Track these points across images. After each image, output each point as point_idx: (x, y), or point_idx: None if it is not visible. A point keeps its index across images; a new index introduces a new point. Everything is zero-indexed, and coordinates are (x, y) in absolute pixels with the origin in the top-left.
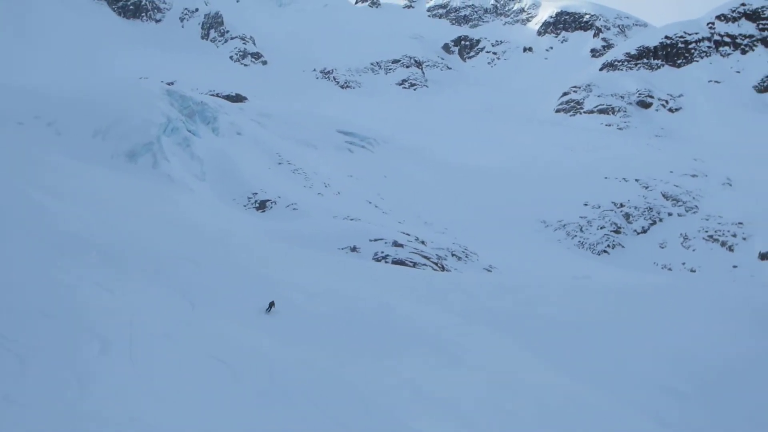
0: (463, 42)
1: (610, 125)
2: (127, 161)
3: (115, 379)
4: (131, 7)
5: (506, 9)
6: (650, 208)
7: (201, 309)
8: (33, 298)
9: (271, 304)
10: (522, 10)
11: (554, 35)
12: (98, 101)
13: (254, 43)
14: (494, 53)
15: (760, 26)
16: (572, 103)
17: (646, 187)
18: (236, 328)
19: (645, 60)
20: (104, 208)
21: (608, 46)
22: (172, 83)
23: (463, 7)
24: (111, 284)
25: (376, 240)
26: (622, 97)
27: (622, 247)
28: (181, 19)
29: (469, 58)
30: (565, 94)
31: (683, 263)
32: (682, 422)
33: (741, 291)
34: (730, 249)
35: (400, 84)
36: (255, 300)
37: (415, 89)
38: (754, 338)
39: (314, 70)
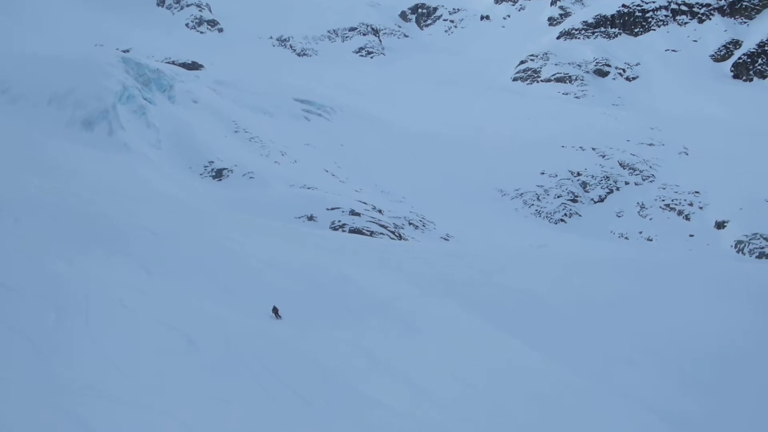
0: (420, 10)
1: (567, 94)
2: (82, 129)
3: (72, 348)
4: None
5: None
6: (607, 177)
7: (157, 278)
8: None
9: (275, 311)
10: None
11: (511, 3)
12: (53, 69)
13: (210, 11)
14: (451, 21)
15: None
16: (529, 72)
17: (603, 156)
18: (192, 298)
19: (602, 29)
20: (59, 176)
21: (566, 14)
22: (128, 50)
23: None
24: (68, 254)
25: (333, 209)
26: (579, 65)
27: (579, 215)
28: None
29: (426, 26)
30: (522, 62)
31: (640, 232)
32: (635, 387)
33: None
34: (687, 218)
35: (357, 52)
36: (212, 269)
37: (372, 57)
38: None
39: (270, 37)
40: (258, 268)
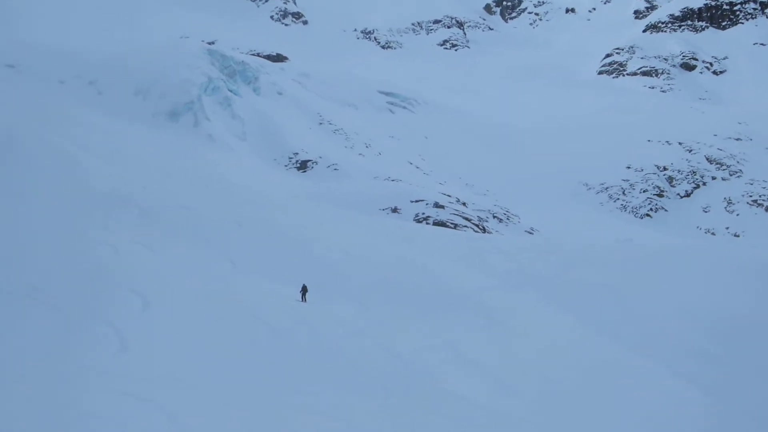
0: (505, 2)
1: (653, 88)
2: (168, 120)
3: (156, 337)
4: None
5: None
6: (693, 172)
7: (241, 269)
8: (76, 257)
9: (304, 290)
10: None
11: None
12: (140, 61)
13: (295, 3)
14: (536, 14)
15: None
16: (615, 65)
17: (690, 151)
18: (276, 288)
19: (689, 22)
20: (144, 167)
21: (652, 7)
22: (213, 43)
23: None
24: (152, 243)
25: (417, 201)
26: (665, 59)
27: (665, 210)
28: None
29: (511, 18)
30: (607, 55)
31: (727, 228)
32: (711, 382)
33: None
34: None
35: (442, 45)
36: (295, 260)
37: (456, 50)
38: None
39: (355, 30)
40: (341, 259)
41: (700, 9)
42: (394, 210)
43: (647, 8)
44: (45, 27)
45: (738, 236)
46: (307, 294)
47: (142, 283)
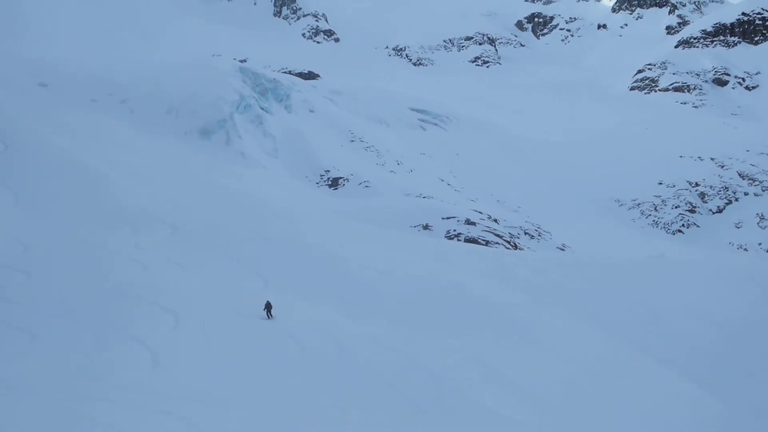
0: (536, 19)
1: (685, 103)
2: (200, 138)
3: (188, 354)
4: None
5: None
6: (726, 188)
7: (272, 286)
8: (106, 275)
9: (268, 306)
10: None
11: (628, 12)
12: (172, 79)
13: (327, 21)
14: (568, 30)
15: None
16: (647, 81)
17: (722, 166)
18: (306, 305)
19: (721, 37)
20: (176, 185)
21: (684, 23)
22: (245, 60)
23: None
24: (183, 260)
25: (448, 218)
26: (697, 74)
27: (697, 226)
28: None
29: (543, 35)
30: (639, 71)
31: (759, 243)
32: (745, 398)
33: None
34: None
35: (473, 61)
36: (326, 277)
37: (488, 66)
38: None
39: (387, 47)
40: (372, 276)
41: (732, 24)
42: (426, 227)
43: (679, 24)
44: (76, 45)
45: None
46: (272, 310)
47: (173, 301)
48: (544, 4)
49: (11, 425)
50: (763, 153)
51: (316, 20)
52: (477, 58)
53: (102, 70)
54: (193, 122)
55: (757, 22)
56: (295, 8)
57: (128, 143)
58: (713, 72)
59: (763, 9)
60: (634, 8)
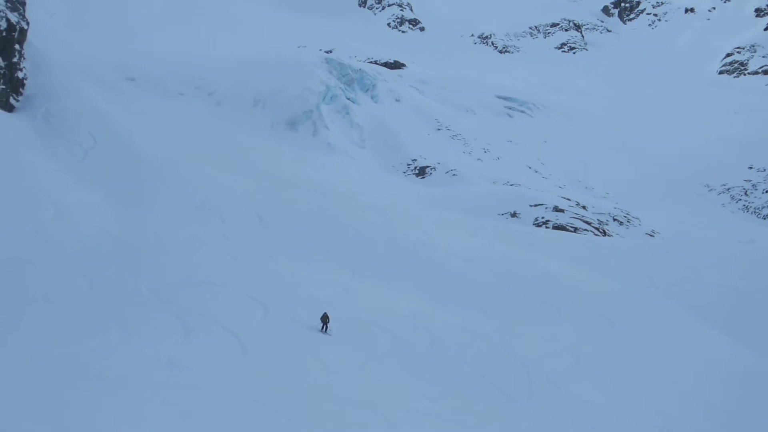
0: (623, 4)
1: None
2: (287, 129)
3: (277, 344)
4: None
5: None
6: None
7: (361, 277)
8: (198, 268)
9: (325, 319)
10: None
11: None
12: (258, 71)
13: (411, 10)
14: (655, 14)
15: None
16: (736, 65)
17: None
18: (396, 296)
19: None
20: (262, 176)
21: None
22: (330, 51)
23: None
24: (272, 251)
25: (536, 205)
26: None
27: None
28: None
29: (629, 20)
30: (728, 55)
31: None
32: None
33: None
34: None
35: (560, 48)
36: (415, 267)
37: (574, 53)
38: None
39: (472, 35)
40: (460, 265)
41: None
42: (514, 215)
43: None
44: (165, 38)
45: None
46: (328, 324)
47: (262, 291)
48: None
49: (109, 414)
50: None
51: (401, 9)
52: (563, 44)
53: (188, 63)
54: (279, 114)
55: None
56: None
57: (215, 136)
58: None
59: None
60: None
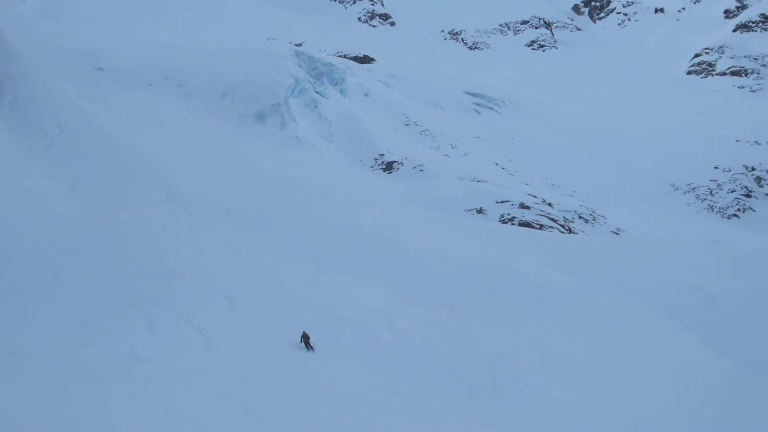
0: (593, 3)
1: (742, 87)
2: (255, 122)
3: (241, 338)
4: None
5: None
6: None
7: (327, 270)
8: (164, 260)
9: (305, 339)
10: None
11: None
12: (227, 63)
13: (382, 4)
14: (625, 14)
15: None
16: (704, 65)
17: None
18: (360, 289)
19: None
20: (230, 168)
21: (742, 6)
22: (300, 44)
23: None
24: (238, 244)
25: (502, 202)
26: (755, 59)
27: (753, 211)
28: None
29: (599, 19)
30: (697, 55)
31: None
32: None
33: None
34: None
35: (529, 45)
36: (380, 261)
37: (544, 51)
38: None
39: (442, 31)
40: (427, 260)
41: None
42: (480, 211)
43: (738, 7)
44: (130, 29)
45: None
46: (310, 341)
47: (228, 285)
48: None
49: (72, 404)
50: None
51: (372, 4)
52: (533, 42)
53: (158, 54)
54: (248, 106)
55: None
56: None
57: (183, 127)
58: None
59: None
60: None
